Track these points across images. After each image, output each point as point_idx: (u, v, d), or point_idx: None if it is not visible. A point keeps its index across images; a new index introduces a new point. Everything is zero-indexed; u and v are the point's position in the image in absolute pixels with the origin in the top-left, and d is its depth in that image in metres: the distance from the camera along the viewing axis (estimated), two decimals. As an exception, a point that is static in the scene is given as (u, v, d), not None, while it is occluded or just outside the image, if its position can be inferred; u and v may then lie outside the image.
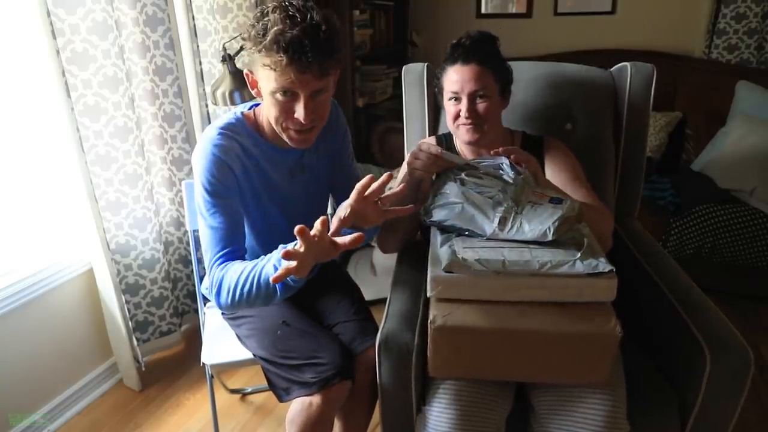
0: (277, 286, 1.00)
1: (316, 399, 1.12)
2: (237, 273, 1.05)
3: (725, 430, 1.08)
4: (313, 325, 1.27)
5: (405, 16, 3.22)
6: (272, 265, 1.00)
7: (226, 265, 1.08)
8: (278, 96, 1.04)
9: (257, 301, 1.05)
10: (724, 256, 2.20)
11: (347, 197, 1.02)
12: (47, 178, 1.72)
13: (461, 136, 1.31)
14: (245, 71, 1.10)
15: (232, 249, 1.11)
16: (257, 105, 1.20)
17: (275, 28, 0.97)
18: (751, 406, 1.70)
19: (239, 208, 1.15)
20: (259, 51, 0.99)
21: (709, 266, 2.25)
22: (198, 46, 2.00)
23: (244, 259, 1.11)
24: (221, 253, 1.10)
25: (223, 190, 1.11)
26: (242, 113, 1.19)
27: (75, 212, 1.73)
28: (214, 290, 1.08)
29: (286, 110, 1.05)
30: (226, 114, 1.21)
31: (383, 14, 3.06)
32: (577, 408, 1.01)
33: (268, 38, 0.97)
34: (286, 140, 1.12)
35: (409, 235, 1.37)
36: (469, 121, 1.25)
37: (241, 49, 1.83)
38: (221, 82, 1.83)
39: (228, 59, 1.81)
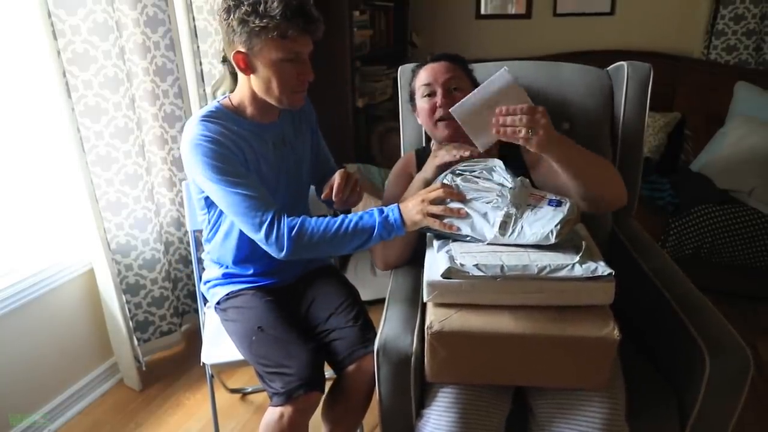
0: (376, 227, 1.10)
1: (287, 410, 1.12)
2: (324, 220, 1.12)
3: (725, 431, 1.08)
4: (288, 332, 1.25)
5: (405, 17, 3.22)
6: (374, 217, 1.11)
7: (296, 219, 1.13)
8: (286, 64, 1.14)
9: (345, 244, 1.13)
10: (723, 257, 2.20)
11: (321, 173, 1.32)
12: (48, 179, 1.72)
13: (438, 135, 1.28)
14: (233, 53, 1.14)
15: (279, 206, 1.16)
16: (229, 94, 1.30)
17: (275, 2, 1.07)
18: (749, 405, 1.70)
19: (251, 171, 1.21)
20: (264, 25, 1.08)
21: (708, 266, 2.25)
22: (198, 47, 2.01)
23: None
24: (276, 209, 1.14)
25: (232, 162, 1.17)
26: (219, 102, 1.27)
27: (76, 212, 1.73)
28: (294, 233, 1.11)
29: (293, 75, 1.16)
30: (203, 107, 1.28)
31: (383, 15, 3.06)
32: (576, 410, 1.01)
33: (277, 10, 1.07)
34: (287, 106, 1.21)
35: (407, 251, 1.33)
36: (444, 111, 1.22)
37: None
38: (221, 83, 1.83)
39: (228, 60, 1.81)
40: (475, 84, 1.32)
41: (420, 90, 1.30)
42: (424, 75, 1.30)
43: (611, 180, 1.16)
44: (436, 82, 1.26)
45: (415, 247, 1.32)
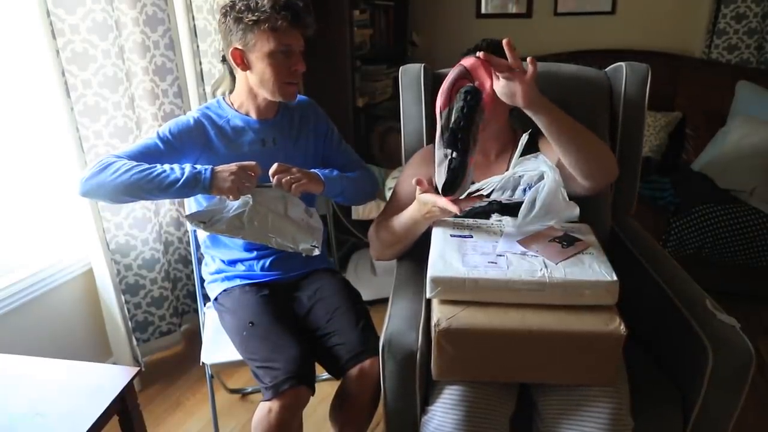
0: (181, 181, 1.18)
1: (274, 405, 1.12)
2: (136, 165, 1.19)
3: (726, 427, 1.08)
4: (279, 327, 1.25)
5: (405, 16, 3.22)
6: (184, 172, 1.19)
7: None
8: (278, 56, 1.25)
9: (148, 188, 1.19)
10: (724, 256, 2.19)
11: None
12: (47, 178, 1.72)
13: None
14: (231, 51, 1.27)
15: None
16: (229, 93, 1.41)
17: None
18: (750, 404, 1.70)
19: (163, 160, 1.26)
20: (256, 20, 1.21)
21: (709, 266, 2.25)
22: (198, 46, 2.00)
23: None
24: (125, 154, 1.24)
25: (169, 139, 1.28)
26: (222, 96, 1.41)
27: (75, 212, 1.73)
28: (100, 165, 1.19)
29: (285, 66, 1.27)
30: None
31: (383, 14, 3.05)
32: (581, 406, 1.01)
33: (267, 4, 1.21)
34: (280, 97, 1.31)
35: (408, 246, 1.34)
36: None
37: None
38: (221, 82, 1.82)
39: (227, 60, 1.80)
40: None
41: None
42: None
43: (599, 151, 1.16)
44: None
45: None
